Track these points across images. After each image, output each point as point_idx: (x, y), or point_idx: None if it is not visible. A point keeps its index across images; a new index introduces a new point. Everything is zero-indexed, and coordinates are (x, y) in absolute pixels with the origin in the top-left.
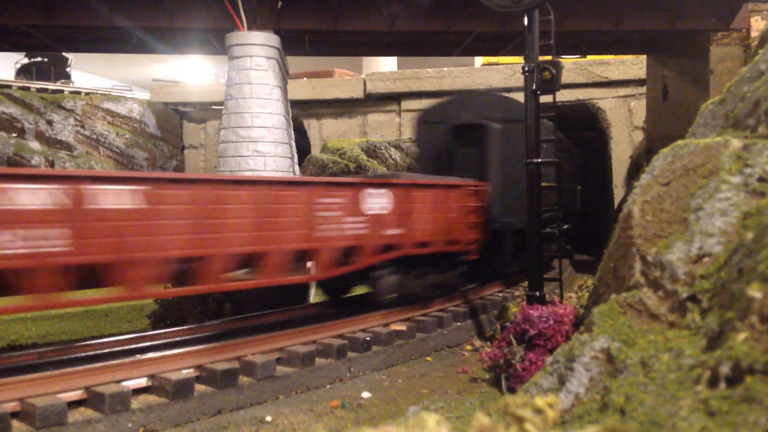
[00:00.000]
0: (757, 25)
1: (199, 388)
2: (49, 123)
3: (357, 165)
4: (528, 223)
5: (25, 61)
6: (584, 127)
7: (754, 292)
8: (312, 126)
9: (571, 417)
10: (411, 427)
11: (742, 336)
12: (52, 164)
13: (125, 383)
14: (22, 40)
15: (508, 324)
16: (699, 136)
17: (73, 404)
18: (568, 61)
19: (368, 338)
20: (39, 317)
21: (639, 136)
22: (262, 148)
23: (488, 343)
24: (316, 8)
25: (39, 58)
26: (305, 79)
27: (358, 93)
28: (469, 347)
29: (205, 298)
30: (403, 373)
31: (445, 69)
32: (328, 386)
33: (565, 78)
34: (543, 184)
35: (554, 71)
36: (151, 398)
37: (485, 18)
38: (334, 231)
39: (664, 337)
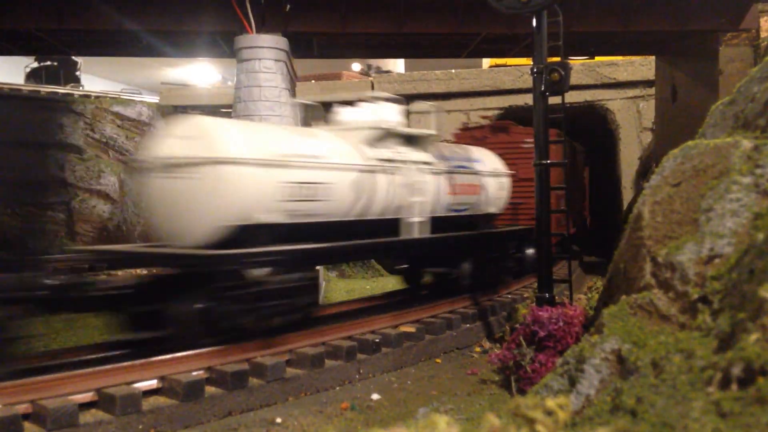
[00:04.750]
0: (766, 25)
1: (209, 389)
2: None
3: None
4: (537, 225)
5: (35, 65)
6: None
7: (766, 293)
8: None
9: (581, 419)
10: (421, 428)
11: (753, 337)
12: (62, 167)
13: (136, 385)
14: (32, 44)
15: (517, 326)
16: (709, 137)
17: (84, 406)
18: (577, 62)
19: (377, 340)
20: (50, 319)
21: (648, 138)
22: None
23: (498, 345)
24: (325, 11)
25: (49, 62)
26: (313, 81)
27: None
28: (478, 349)
29: None
30: (413, 374)
31: (453, 71)
32: (337, 388)
33: (574, 79)
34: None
35: (563, 72)
36: (162, 400)
37: (493, 20)
38: None
39: (675, 338)
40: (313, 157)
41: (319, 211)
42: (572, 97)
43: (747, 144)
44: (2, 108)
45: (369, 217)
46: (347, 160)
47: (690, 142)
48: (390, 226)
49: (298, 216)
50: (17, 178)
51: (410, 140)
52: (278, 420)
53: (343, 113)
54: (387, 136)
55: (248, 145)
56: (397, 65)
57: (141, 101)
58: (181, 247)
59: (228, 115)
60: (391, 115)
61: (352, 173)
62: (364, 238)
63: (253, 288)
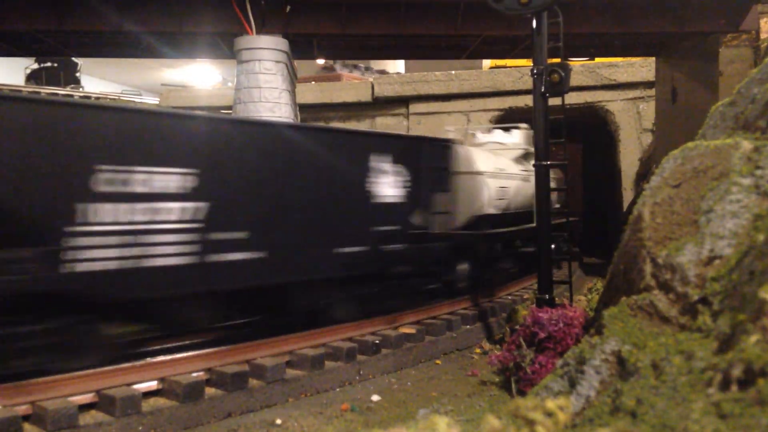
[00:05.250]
0: (766, 26)
1: (209, 391)
2: None
3: None
4: (537, 226)
5: (35, 66)
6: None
7: (766, 294)
8: None
9: (581, 420)
10: (421, 429)
11: (753, 338)
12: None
13: (136, 386)
14: (32, 45)
15: (517, 327)
16: (709, 138)
17: (84, 407)
18: (577, 63)
19: (377, 341)
20: None
21: (648, 139)
22: None
23: (498, 346)
24: (325, 12)
25: (49, 64)
26: (314, 83)
27: (366, 96)
28: (478, 350)
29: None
30: (413, 376)
31: (453, 72)
32: (337, 389)
33: (574, 80)
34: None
35: (563, 74)
36: (162, 401)
37: (494, 21)
38: None
39: (675, 339)
40: (504, 170)
41: (504, 207)
42: (572, 98)
43: (747, 145)
44: (422, 147)
45: (519, 211)
46: (514, 171)
47: (690, 144)
48: (526, 217)
49: (498, 209)
50: (432, 189)
51: (527, 156)
52: (278, 421)
53: (494, 137)
54: (523, 154)
55: (485, 163)
56: (396, 66)
57: (141, 103)
58: (450, 230)
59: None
60: (524, 138)
61: (516, 180)
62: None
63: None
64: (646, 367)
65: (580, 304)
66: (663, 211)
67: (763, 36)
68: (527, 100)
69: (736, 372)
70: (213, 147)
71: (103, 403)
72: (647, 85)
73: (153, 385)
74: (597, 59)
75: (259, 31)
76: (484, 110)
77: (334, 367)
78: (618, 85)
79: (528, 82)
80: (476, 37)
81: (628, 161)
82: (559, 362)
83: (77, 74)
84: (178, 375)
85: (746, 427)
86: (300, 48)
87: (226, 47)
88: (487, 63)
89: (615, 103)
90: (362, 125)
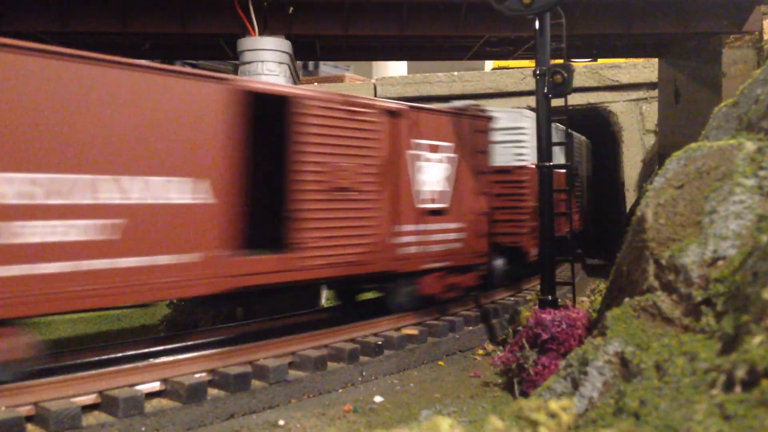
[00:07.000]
0: None
1: (212, 392)
2: None
3: None
4: (540, 227)
5: None
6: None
7: None
8: None
9: (585, 421)
10: (424, 430)
11: (757, 339)
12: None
13: (139, 387)
14: None
15: (520, 328)
16: (712, 139)
17: (87, 408)
18: (580, 64)
19: (380, 342)
20: (53, 321)
21: (651, 140)
22: None
23: (500, 348)
24: (327, 13)
25: None
26: (316, 84)
27: None
28: (481, 351)
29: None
30: (415, 377)
31: (456, 73)
32: (340, 390)
33: (577, 81)
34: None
35: (565, 75)
36: (165, 402)
37: (496, 22)
38: None
39: (679, 340)
40: None
41: None
42: (575, 99)
43: (750, 146)
44: None
45: None
46: None
47: (693, 144)
48: None
49: None
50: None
51: None
52: (281, 422)
53: None
54: None
55: None
56: (399, 68)
57: None
58: None
59: None
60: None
61: None
62: None
63: None
64: (649, 368)
65: (583, 305)
66: (666, 212)
67: (766, 37)
68: (530, 101)
69: (740, 373)
70: None
71: (106, 403)
72: (650, 86)
73: (156, 386)
74: (600, 60)
75: (261, 33)
76: None
77: (336, 368)
78: (621, 86)
79: (531, 84)
80: (479, 38)
81: (631, 162)
82: (562, 363)
83: None
84: (181, 376)
85: (750, 428)
86: (302, 49)
87: (228, 49)
88: (489, 64)
89: (618, 104)
90: None
